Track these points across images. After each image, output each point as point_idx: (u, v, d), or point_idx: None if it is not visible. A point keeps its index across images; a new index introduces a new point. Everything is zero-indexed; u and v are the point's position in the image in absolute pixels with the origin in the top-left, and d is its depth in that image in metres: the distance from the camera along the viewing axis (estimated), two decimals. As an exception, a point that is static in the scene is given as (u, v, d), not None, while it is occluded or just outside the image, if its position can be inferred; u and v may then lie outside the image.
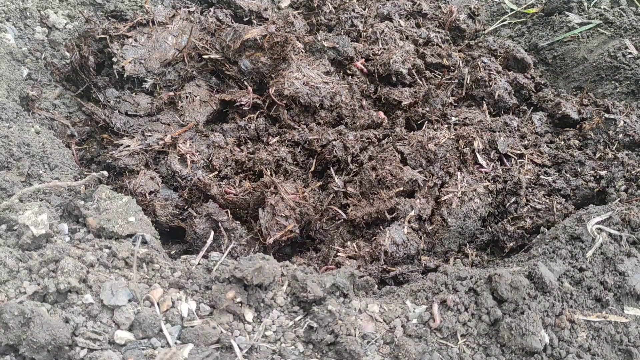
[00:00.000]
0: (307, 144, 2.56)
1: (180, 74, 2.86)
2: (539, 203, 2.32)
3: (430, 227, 2.20)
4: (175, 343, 1.37)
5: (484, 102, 3.00)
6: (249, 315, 1.49)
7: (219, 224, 2.12)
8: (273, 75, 2.79)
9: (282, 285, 1.59)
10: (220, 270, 1.64)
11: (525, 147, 2.69)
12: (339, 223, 2.27)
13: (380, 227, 2.18)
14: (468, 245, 2.26)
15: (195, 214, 2.16)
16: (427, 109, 2.81)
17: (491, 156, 2.49)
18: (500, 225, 2.26)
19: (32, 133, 2.18)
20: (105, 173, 2.05)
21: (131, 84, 2.83)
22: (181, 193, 2.36)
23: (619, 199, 2.17)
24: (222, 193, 2.24)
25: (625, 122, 2.64)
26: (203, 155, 2.50)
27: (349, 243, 2.16)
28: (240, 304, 1.49)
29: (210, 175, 2.42)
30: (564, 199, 2.34)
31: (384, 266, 2.04)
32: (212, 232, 2.04)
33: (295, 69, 2.71)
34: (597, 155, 2.55)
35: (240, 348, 1.40)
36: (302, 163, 2.55)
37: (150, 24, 2.95)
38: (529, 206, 2.31)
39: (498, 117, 2.90)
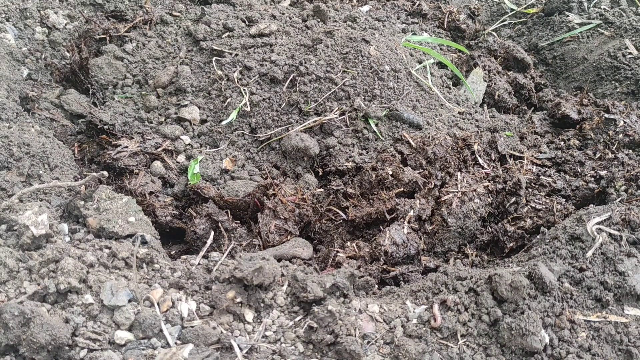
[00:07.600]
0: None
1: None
2: (539, 203, 2.32)
3: (430, 227, 2.19)
4: (175, 343, 1.37)
5: (484, 102, 2.99)
6: (249, 315, 1.49)
7: (219, 224, 2.12)
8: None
9: (282, 286, 1.59)
10: (220, 271, 1.64)
11: (526, 147, 2.69)
12: (338, 223, 2.27)
13: (380, 227, 2.18)
14: (468, 245, 2.26)
15: (195, 214, 2.16)
16: (427, 109, 2.80)
17: (491, 156, 2.49)
18: (500, 225, 2.26)
19: (32, 133, 2.18)
20: (105, 173, 2.05)
21: (131, 84, 2.83)
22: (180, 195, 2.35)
23: (619, 199, 2.17)
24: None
25: (625, 122, 2.64)
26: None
27: (348, 243, 2.16)
28: (240, 304, 1.49)
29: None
30: (564, 199, 2.34)
31: (384, 266, 2.04)
32: (212, 232, 2.04)
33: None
34: (597, 155, 2.55)
35: (240, 348, 1.40)
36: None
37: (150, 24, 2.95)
38: (529, 206, 2.31)
39: (498, 117, 2.90)
